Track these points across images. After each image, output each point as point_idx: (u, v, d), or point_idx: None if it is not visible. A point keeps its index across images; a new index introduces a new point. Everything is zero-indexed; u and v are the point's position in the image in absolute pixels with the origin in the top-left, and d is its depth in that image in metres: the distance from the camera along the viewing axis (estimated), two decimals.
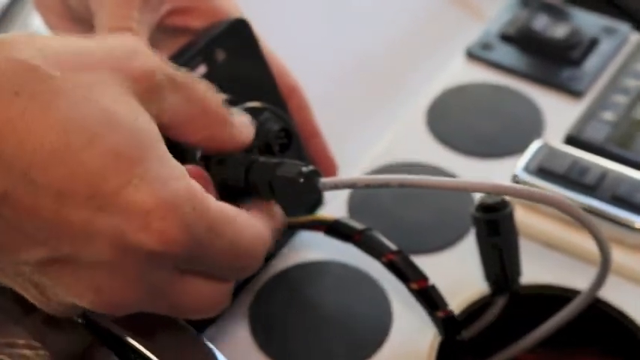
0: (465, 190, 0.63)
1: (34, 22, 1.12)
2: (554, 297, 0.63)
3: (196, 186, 0.45)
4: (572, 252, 0.65)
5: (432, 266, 0.57)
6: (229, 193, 0.55)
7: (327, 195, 0.68)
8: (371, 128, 0.75)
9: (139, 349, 0.49)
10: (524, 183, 0.66)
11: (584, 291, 0.59)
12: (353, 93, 0.78)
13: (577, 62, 0.78)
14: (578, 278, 0.62)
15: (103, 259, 0.42)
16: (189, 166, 0.49)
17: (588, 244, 0.56)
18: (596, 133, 0.71)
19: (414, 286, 0.55)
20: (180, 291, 0.46)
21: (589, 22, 0.81)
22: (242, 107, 0.57)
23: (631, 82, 0.75)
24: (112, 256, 0.42)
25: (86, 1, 0.56)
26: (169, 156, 0.45)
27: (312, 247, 0.66)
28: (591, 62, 0.78)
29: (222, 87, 0.59)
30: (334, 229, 0.56)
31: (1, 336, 0.49)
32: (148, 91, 0.45)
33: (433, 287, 0.55)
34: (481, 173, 0.71)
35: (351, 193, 0.70)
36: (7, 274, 0.44)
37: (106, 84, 0.43)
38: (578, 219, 0.53)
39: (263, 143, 0.56)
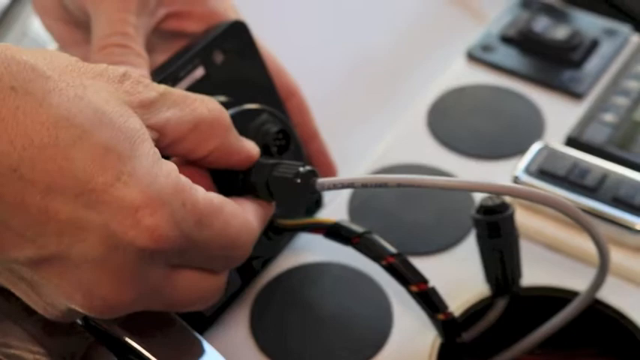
0: (463, 190, 0.63)
1: (34, 25, 1.12)
2: (554, 299, 0.62)
3: (185, 181, 0.45)
4: (573, 254, 0.65)
5: (433, 268, 0.57)
6: (227, 192, 0.55)
7: (327, 197, 0.68)
8: (371, 129, 0.75)
9: (136, 348, 0.49)
10: (525, 184, 0.66)
11: (582, 292, 0.59)
12: (354, 94, 0.78)
13: (578, 64, 0.78)
14: (578, 280, 0.62)
15: (92, 256, 0.42)
16: (177, 159, 0.49)
17: (589, 246, 0.56)
18: (597, 134, 0.71)
19: (414, 288, 0.55)
20: (173, 286, 0.46)
21: (589, 23, 0.81)
22: (240, 109, 0.57)
23: (632, 84, 0.75)
24: (102, 253, 0.42)
25: (84, 5, 0.56)
26: (159, 154, 0.44)
27: (313, 249, 0.66)
28: (592, 64, 0.78)
29: (220, 89, 0.60)
30: (334, 231, 0.56)
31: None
32: (141, 105, 0.45)
33: (433, 290, 0.55)
34: (481, 175, 0.71)
35: (351, 195, 0.70)
36: (3, 275, 0.44)
37: (100, 87, 0.44)
38: (578, 221, 0.53)
39: (261, 145, 0.56)
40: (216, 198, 0.47)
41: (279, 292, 0.64)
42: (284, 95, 0.64)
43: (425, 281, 0.55)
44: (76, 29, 0.59)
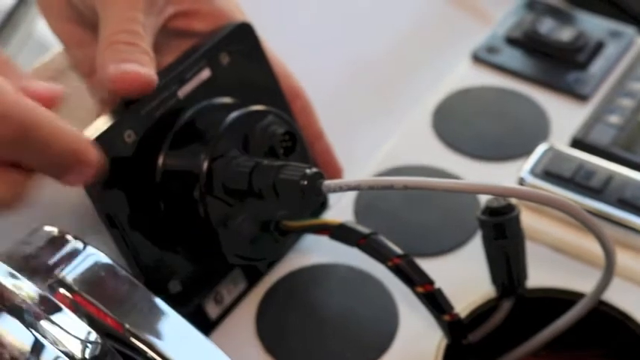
0: (469, 192, 0.63)
1: (39, 26, 1.12)
2: (560, 300, 0.62)
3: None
4: (579, 255, 0.65)
5: (438, 269, 0.57)
6: (233, 195, 0.56)
7: (333, 198, 0.68)
8: (377, 131, 0.75)
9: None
10: (530, 186, 0.66)
11: (588, 294, 0.58)
12: (359, 96, 0.78)
13: (583, 65, 0.78)
14: (584, 282, 0.62)
15: None
16: None
17: (594, 248, 0.56)
18: (602, 136, 0.71)
19: (420, 289, 0.55)
20: None
21: (595, 25, 0.81)
22: (246, 111, 0.57)
23: (636, 86, 0.75)
24: None
25: (92, 4, 0.56)
26: None
27: (319, 250, 0.66)
28: (597, 65, 0.78)
29: (226, 90, 0.60)
30: (339, 233, 0.56)
31: None
32: None
33: (439, 291, 0.55)
34: (486, 176, 0.71)
35: (356, 197, 0.70)
36: None
37: None
38: (584, 222, 0.53)
39: (267, 146, 0.56)
40: (42, 108, 0.48)
41: (285, 293, 0.64)
42: (289, 96, 0.64)
43: (431, 282, 0.55)
44: (82, 29, 0.59)
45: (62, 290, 0.49)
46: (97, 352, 0.47)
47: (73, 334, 0.47)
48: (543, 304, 0.63)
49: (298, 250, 0.66)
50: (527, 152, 0.69)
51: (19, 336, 0.47)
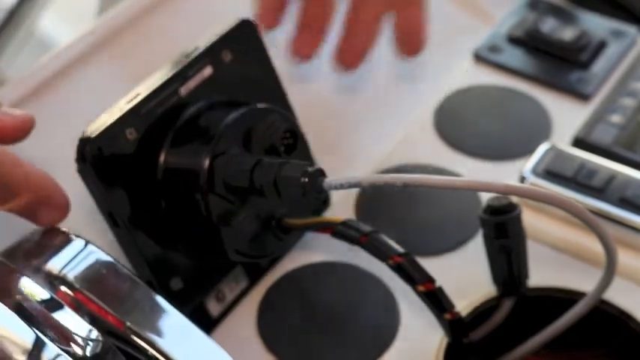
0: (470, 190, 0.63)
1: (41, 24, 1.12)
2: (561, 299, 0.62)
3: None
4: (580, 254, 0.65)
5: (440, 268, 0.57)
6: (234, 192, 0.56)
7: (335, 197, 0.68)
8: (378, 130, 0.75)
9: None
10: (532, 185, 0.66)
11: (589, 293, 0.58)
12: (361, 94, 0.78)
13: (585, 65, 0.78)
14: (585, 281, 0.62)
15: None
16: None
17: (596, 247, 0.56)
18: (604, 135, 0.71)
19: (421, 288, 0.55)
20: None
21: (597, 24, 0.81)
22: (248, 108, 0.57)
23: (639, 85, 0.75)
24: None
25: None
26: None
27: (320, 249, 0.66)
28: (599, 65, 0.78)
29: (228, 88, 0.60)
30: (341, 231, 0.56)
31: None
32: None
33: (440, 289, 0.55)
34: (488, 175, 0.71)
35: (358, 195, 0.70)
36: None
37: None
38: (585, 221, 0.53)
39: (269, 144, 0.56)
40: None
41: (287, 291, 0.64)
42: None
43: (432, 281, 0.55)
44: None
45: (63, 288, 0.49)
46: (99, 349, 0.48)
47: (74, 331, 0.47)
48: (544, 303, 0.63)
49: (300, 248, 0.66)
50: (528, 151, 0.69)
51: (20, 334, 0.47)
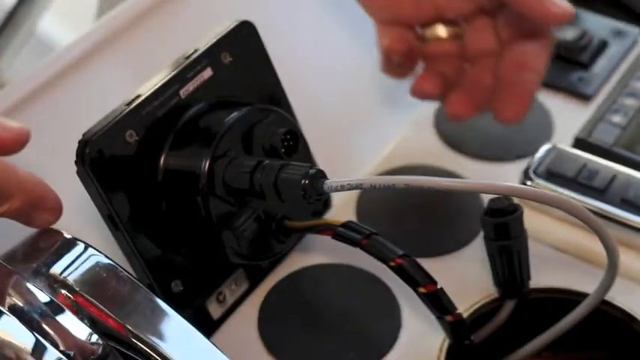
0: (471, 191, 0.63)
1: (41, 24, 1.12)
2: (563, 301, 0.62)
3: None
4: (582, 255, 0.65)
5: (441, 269, 0.57)
6: (235, 194, 0.55)
7: (336, 198, 0.68)
8: (379, 131, 0.75)
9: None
10: (533, 186, 0.65)
11: (591, 294, 0.58)
12: (361, 95, 0.78)
13: (586, 65, 0.78)
14: (587, 282, 0.62)
15: None
16: None
17: (598, 248, 0.56)
18: (605, 136, 0.71)
19: (423, 290, 0.55)
20: None
21: (598, 24, 0.81)
22: (248, 110, 0.57)
23: None
24: None
25: None
26: None
27: (321, 250, 0.66)
28: (600, 65, 0.78)
29: (227, 89, 0.60)
30: (342, 233, 0.56)
31: None
32: None
33: (442, 291, 0.55)
34: (489, 176, 0.71)
35: (359, 197, 0.70)
36: None
37: None
38: (587, 222, 0.53)
39: (269, 146, 0.56)
40: None
41: (288, 293, 0.64)
42: None
43: (433, 282, 0.54)
44: None
45: (64, 291, 0.49)
46: (99, 353, 0.47)
47: (74, 335, 0.47)
48: (546, 304, 0.63)
49: (300, 250, 0.66)
50: (530, 152, 0.69)
51: (20, 337, 0.47)
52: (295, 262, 0.66)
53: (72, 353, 0.47)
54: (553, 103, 0.76)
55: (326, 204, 0.68)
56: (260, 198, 0.55)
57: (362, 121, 0.76)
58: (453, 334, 0.57)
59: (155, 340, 0.49)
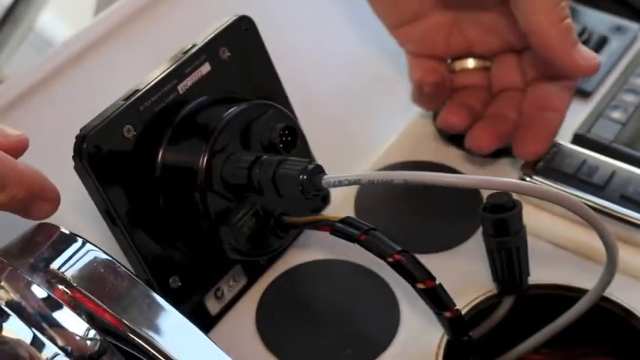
0: (470, 187, 0.63)
1: (40, 20, 1.12)
2: (562, 297, 0.62)
3: None
4: (581, 251, 0.65)
5: (440, 265, 0.57)
6: (233, 190, 0.55)
7: (334, 194, 0.68)
8: (378, 127, 0.75)
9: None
10: (532, 182, 0.65)
11: (590, 290, 0.58)
12: (361, 90, 0.78)
13: None
14: (586, 278, 0.62)
15: None
16: None
17: (597, 244, 0.56)
18: (605, 132, 0.71)
19: (421, 285, 0.54)
20: None
21: (598, 20, 0.81)
22: (246, 105, 0.57)
23: None
24: None
25: None
26: None
27: (319, 246, 0.66)
28: (600, 61, 0.78)
29: (226, 85, 0.60)
30: (340, 228, 0.56)
31: None
32: None
33: (440, 287, 0.55)
34: (489, 172, 0.70)
35: (357, 193, 0.70)
36: None
37: None
38: (586, 218, 0.53)
39: (267, 141, 0.56)
40: None
41: (286, 289, 0.64)
42: None
43: (432, 278, 0.54)
44: None
45: (61, 286, 0.49)
46: (96, 348, 0.47)
47: (71, 330, 0.47)
48: (545, 300, 0.62)
49: (298, 245, 0.66)
50: None
51: (18, 332, 0.47)
52: (293, 258, 0.66)
53: (69, 349, 0.47)
54: None
55: (325, 200, 0.68)
56: (258, 193, 0.55)
57: (360, 117, 0.76)
58: (452, 330, 0.57)
59: (153, 335, 0.49)
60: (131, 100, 0.55)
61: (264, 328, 0.62)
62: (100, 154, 0.54)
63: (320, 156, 0.65)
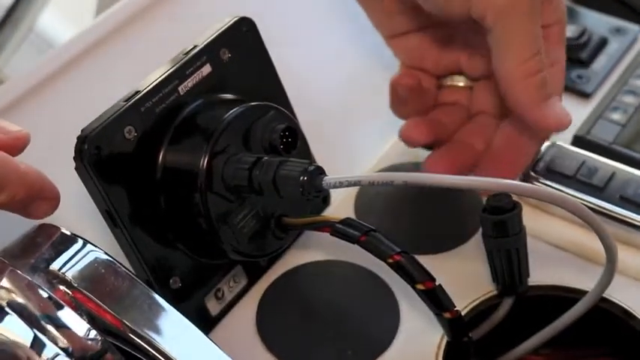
0: (470, 188, 0.63)
1: (40, 21, 1.12)
2: (562, 298, 0.62)
3: None
4: (581, 253, 0.65)
5: (439, 267, 0.57)
6: (233, 191, 0.55)
7: (334, 195, 0.68)
8: (378, 128, 0.75)
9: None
10: (532, 183, 0.65)
11: (589, 292, 0.58)
12: (360, 92, 0.78)
13: (586, 62, 0.78)
14: (586, 279, 0.62)
15: None
16: None
17: (596, 245, 0.56)
18: (605, 133, 0.71)
19: (421, 286, 0.54)
20: None
21: (598, 22, 0.81)
22: (247, 106, 0.57)
23: None
24: None
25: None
26: None
27: (319, 247, 0.66)
28: (600, 62, 0.78)
29: (227, 86, 0.60)
30: (340, 229, 0.56)
31: None
32: None
33: (440, 288, 0.55)
34: None
35: (357, 194, 0.70)
36: None
37: None
38: (586, 219, 0.53)
39: (268, 142, 0.56)
40: None
41: (286, 290, 0.64)
42: None
43: (432, 279, 0.54)
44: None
45: (62, 287, 0.49)
46: (97, 348, 0.47)
47: (72, 331, 0.47)
48: (544, 301, 0.63)
49: (299, 246, 0.66)
50: None
51: (18, 333, 0.47)
52: (294, 258, 0.66)
53: (70, 349, 0.47)
54: None
55: (325, 201, 0.68)
56: (259, 195, 0.55)
57: (361, 118, 0.76)
58: (452, 331, 0.57)
59: (153, 336, 0.49)
60: (132, 101, 0.55)
61: (265, 329, 0.62)
62: (101, 155, 0.54)
63: (320, 157, 0.65)
